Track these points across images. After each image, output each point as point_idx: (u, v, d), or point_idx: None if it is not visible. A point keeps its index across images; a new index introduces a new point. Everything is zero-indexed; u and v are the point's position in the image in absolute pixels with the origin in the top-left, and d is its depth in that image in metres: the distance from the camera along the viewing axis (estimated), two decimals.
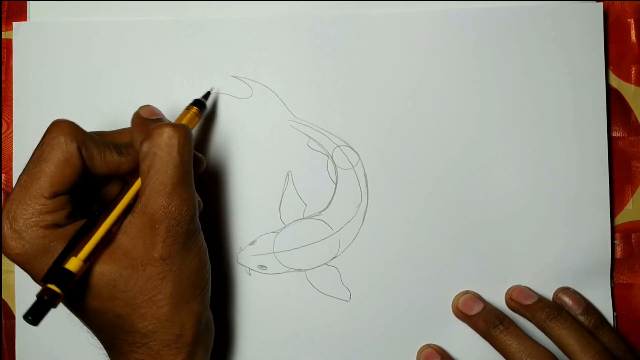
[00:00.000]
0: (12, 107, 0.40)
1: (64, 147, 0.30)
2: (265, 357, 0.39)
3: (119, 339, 0.31)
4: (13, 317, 0.39)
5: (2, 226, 0.30)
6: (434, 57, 0.39)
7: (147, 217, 0.30)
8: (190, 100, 0.36)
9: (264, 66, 0.39)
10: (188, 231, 0.31)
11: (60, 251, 0.29)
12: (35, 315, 0.27)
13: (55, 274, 0.28)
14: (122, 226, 0.31)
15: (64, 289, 0.28)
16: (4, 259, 0.40)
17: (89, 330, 0.33)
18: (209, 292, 0.34)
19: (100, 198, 0.34)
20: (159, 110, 0.34)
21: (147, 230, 0.30)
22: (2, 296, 0.40)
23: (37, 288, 0.39)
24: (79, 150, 0.30)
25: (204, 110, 0.36)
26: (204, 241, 0.33)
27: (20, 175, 0.31)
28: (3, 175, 0.40)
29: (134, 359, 0.31)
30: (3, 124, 0.40)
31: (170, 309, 0.31)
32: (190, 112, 0.35)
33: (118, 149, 0.32)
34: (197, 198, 0.34)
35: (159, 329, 0.31)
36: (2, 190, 0.40)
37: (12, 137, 0.40)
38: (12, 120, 0.40)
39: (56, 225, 0.30)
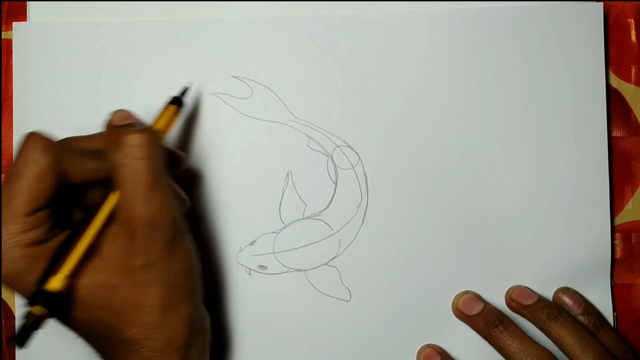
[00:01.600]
0: (12, 107, 0.40)
1: (38, 163, 0.29)
2: (265, 357, 0.39)
3: (111, 347, 0.31)
4: (13, 317, 0.39)
5: None
6: (434, 56, 0.39)
7: (126, 226, 0.30)
8: (171, 98, 0.36)
9: (264, 66, 0.39)
10: (171, 235, 0.31)
11: (42, 269, 0.29)
12: (21, 339, 0.27)
13: (39, 295, 0.28)
14: (104, 236, 0.30)
15: (51, 308, 0.28)
16: None
17: (84, 341, 0.33)
18: (201, 293, 0.34)
19: (83, 204, 0.33)
20: (132, 113, 0.34)
21: (128, 239, 0.30)
22: (2, 296, 0.40)
23: None
24: (55, 163, 0.29)
25: (181, 108, 0.36)
26: (192, 243, 0.33)
27: None
28: (3, 176, 0.40)
29: None
30: (3, 124, 0.40)
31: (158, 315, 0.30)
32: (169, 110, 0.35)
33: (94, 155, 0.31)
34: (183, 196, 0.34)
35: (148, 335, 0.30)
36: None
37: (12, 137, 0.40)
38: (12, 120, 0.40)
39: (38, 242, 0.29)
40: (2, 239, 0.29)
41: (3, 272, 0.29)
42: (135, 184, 0.30)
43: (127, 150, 0.30)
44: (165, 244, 0.30)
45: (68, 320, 0.31)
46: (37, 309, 0.28)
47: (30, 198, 0.29)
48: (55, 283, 0.28)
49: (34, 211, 0.29)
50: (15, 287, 0.29)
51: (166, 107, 0.35)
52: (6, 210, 0.29)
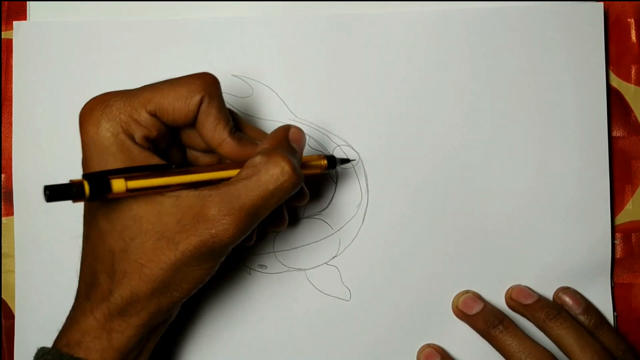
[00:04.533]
0: (12, 107, 0.40)
1: (198, 91, 0.30)
2: (265, 357, 0.39)
3: (99, 280, 0.30)
4: (13, 317, 0.39)
5: (93, 103, 0.30)
6: (434, 57, 0.39)
7: (202, 210, 0.29)
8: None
9: (264, 65, 0.39)
10: (217, 252, 0.30)
11: (120, 164, 0.29)
12: (53, 193, 0.26)
13: (98, 178, 0.28)
14: (177, 193, 0.30)
15: (94, 195, 0.28)
16: (4, 259, 0.40)
17: (80, 265, 0.32)
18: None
19: (179, 144, 0.34)
20: (305, 141, 0.34)
21: (193, 218, 0.29)
22: (2, 296, 0.40)
23: (37, 285, 0.39)
24: (201, 100, 0.30)
25: (331, 168, 0.35)
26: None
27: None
28: (3, 175, 0.40)
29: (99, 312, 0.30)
30: (3, 124, 0.40)
31: (149, 288, 0.30)
32: (319, 162, 0.35)
33: (240, 135, 0.32)
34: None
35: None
36: (2, 190, 0.40)
37: (12, 137, 0.40)
38: (12, 120, 0.40)
39: (133, 140, 0.30)
40: (117, 108, 0.30)
41: (93, 135, 0.29)
42: (244, 198, 0.29)
43: (271, 168, 0.30)
44: (206, 254, 0.30)
45: (91, 220, 0.31)
46: (87, 186, 0.27)
47: (169, 107, 0.30)
48: (117, 184, 0.28)
49: (154, 115, 0.30)
50: (86, 150, 0.30)
51: (320, 158, 0.35)
52: (138, 95, 0.30)
